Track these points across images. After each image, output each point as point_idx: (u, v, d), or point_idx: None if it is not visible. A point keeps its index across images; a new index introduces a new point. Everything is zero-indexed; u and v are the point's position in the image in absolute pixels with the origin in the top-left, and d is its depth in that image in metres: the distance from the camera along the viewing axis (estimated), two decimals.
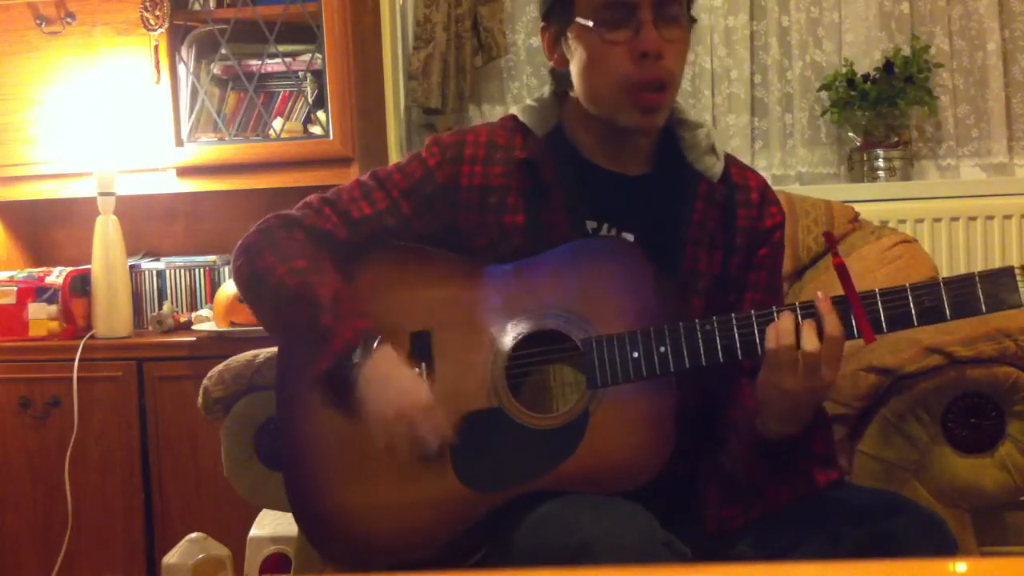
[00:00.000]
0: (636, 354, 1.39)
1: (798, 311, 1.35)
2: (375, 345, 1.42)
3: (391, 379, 1.41)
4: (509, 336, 1.47)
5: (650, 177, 1.56)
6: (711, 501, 1.49)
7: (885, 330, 1.34)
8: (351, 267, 1.55)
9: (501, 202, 1.53)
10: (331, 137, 2.76)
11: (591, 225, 1.53)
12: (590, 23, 1.45)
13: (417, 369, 1.47)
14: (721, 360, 1.38)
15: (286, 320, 1.51)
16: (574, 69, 1.51)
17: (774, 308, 1.37)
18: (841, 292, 1.35)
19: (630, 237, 1.53)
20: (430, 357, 1.50)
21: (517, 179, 1.53)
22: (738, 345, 1.37)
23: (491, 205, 1.53)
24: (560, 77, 1.56)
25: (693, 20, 1.50)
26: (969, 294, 1.31)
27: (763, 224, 1.57)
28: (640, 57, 1.43)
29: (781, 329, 1.33)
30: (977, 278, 1.31)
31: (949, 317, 1.32)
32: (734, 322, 1.38)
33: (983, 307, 1.31)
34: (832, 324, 1.32)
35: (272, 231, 1.55)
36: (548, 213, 1.52)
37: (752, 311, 1.38)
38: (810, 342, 1.32)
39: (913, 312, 1.32)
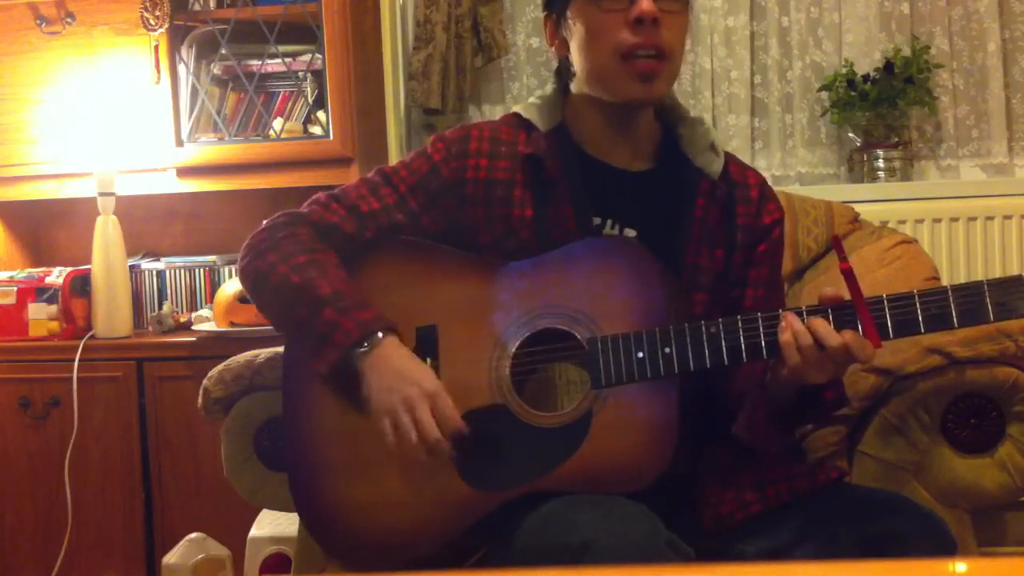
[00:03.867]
0: (640, 355, 1.39)
1: (804, 314, 1.35)
2: (380, 335, 1.43)
3: (397, 367, 1.42)
4: (515, 333, 1.47)
5: (652, 174, 1.57)
6: (709, 499, 1.49)
7: (892, 336, 1.32)
8: (359, 261, 1.56)
9: (508, 196, 1.54)
10: (331, 137, 2.76)
11: (595, 221, 1.53)
12: None
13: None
14: (726, 363, 1.38)
15: (290, 318, 1.52)
16: (574, 48, 1.52)
17: (780, 311, 1.37)
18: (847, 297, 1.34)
19: (633, 233, 1.53)
20: (435, 352, 1.50)
21: (522, 174, 1.54)
22: (743, 348, 1.37)
23: (498, 199, 1.54)
24: (563, 71, 1.57)
25: None
26: (977, 302, 1.29)
27: (762, 221, 1.58)
28: (636, 23, 1.45)
29: (798, 332, 1.34)
30: (986, 286, 1.29)
31: (956, 325, 1.30)
32: (739, 325, 1.37)
33: (991, 316, 1.29)
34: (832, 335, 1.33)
35: (276, 229, 1.56)
36: (554, 208, 1.52)
37: (758, 313, 1.38)
38: (833, 338, 1.32)
39: (920, 319, 1.31)
